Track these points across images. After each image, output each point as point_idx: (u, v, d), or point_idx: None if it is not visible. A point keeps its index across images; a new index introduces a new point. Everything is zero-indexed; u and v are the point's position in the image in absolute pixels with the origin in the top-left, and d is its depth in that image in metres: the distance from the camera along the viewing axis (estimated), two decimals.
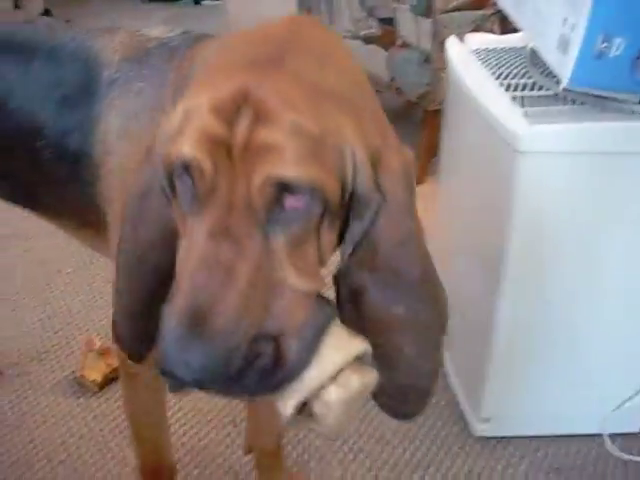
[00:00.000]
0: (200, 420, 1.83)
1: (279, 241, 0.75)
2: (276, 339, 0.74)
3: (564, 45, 1.33)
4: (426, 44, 2.71)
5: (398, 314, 0.85)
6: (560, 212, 1.48)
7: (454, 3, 2.67)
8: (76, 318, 2.18)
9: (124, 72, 1.15)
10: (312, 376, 0.76)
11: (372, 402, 0.89)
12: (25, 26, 1.29)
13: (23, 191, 1.37)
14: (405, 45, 2.81)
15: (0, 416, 1.82)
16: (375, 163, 0.80)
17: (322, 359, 0.77)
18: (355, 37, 2.99)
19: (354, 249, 0.82)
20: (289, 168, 0.72)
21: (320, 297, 0.80)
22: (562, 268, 1.55)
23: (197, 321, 0.70)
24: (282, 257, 0.75)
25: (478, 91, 1.58)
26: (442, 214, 2.01)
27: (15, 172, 1.33)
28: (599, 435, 1.77)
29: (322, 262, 0.81)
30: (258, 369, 0.73)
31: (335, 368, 0.77)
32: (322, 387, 0.77)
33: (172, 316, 0.72)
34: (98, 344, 1.89)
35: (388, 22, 2.85)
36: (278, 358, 0.74)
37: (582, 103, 1.43)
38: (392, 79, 2.91)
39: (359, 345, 0.80)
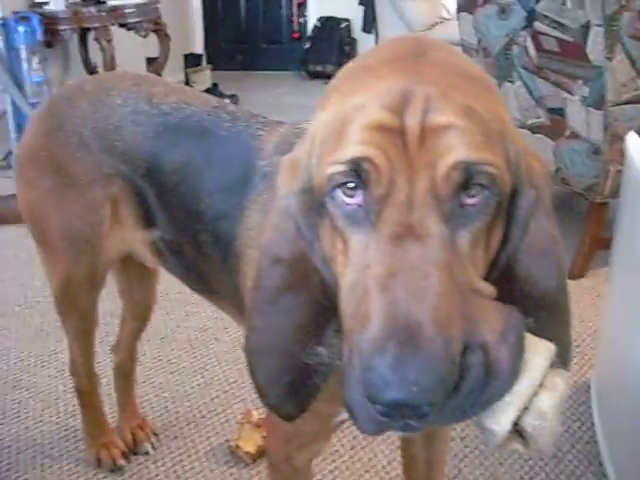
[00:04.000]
0: None
1: (463, 240, 0.71)
2: (484, 348, 0.67)
3: None
4: (596, 136, 2.66)
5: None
6: None
7: (626, 96, 2.62)
8: (233, 387, 2.23)
9: (273, 166, 1.16)
10: (523, 385, 0.70)
11: None
12: (212, 111, 1.34)
13: (192, 272, 1.43)
14: (574, 136, 2.77)
15: (153, 478, 1.87)
16: (526, 157, 0.78)
17: (527, 365, 0.71)
18: (522, 126, 2.97)
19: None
20: (473, 151, 0.69)
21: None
22: None
23: (410, 336, 0.63)
24: (466, 258, 0.71)
25: None
26: (614, 312, 1.94)
27: (185, 253, 1.39)
28: None
29: (487, 264, 0.76)
30: (472, 382, 0.66)
31: (541, 373, 0.72)
32: (534, 395, 0.71)
33: (375, 341, 0.64)
34: (255, 417, 1.92)
35: (557, 112, 2.83)
36: (490, 368, 0.67)
37: None
38: (558, 169, 2.87)
39: (550, 346, 0.75)
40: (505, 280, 0.79)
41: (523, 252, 0.79)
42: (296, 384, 0.86)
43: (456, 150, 0.68)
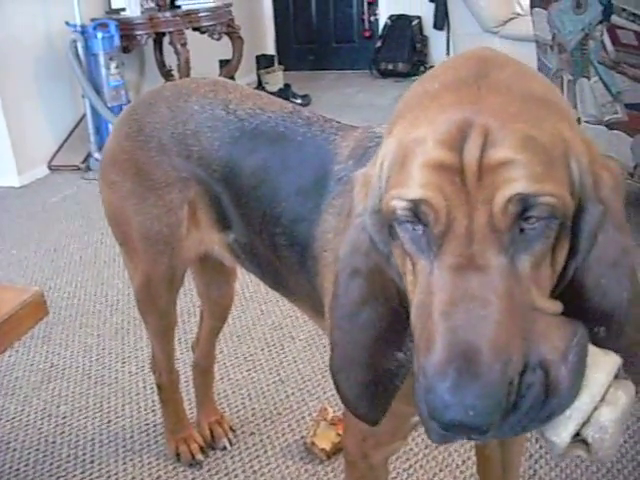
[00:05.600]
0: None
1: (524, 264, 0.73)
2: (544, 367, 0.70)
3: None
4: None
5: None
6: None
7: None
8: (308, 384, 2.25)
9: (348, 170, 1.18)
10: (584, 401, 0.72)
11: None
12: (287, 117, 1.36)
13: (268, 273, 1.46)
14: None
15: (230, 473, 1.91)
16: (593, 171, 0.77)
17: (588, 381, 0.73)
18: (598, 122, 2.92)
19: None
20: (531, 184, 0.70)
21: (568, 317, 0.76)
22: None
23: (468, 362, 0.67)
24: (528, 280, 0.72)
25: None
26: None
27: (261, 255, 1.41)
28: None
29: (555, 279, 0.77)
30: (531, 401, 0.69)
31: (603, 389, 0.73)
32: (595, 410, 0.73)
33: (437, 365, 0.69)
34: (331, 414, 1.94)
35: (635, 108, 2.76)
36: (549, 387, 0.70)
37: None
38: (636, 165, 2.81)
39: (615, 359, 0.76)
40: (575, 292, 0.79)
41: (591, 264, 0.78)
42: (379, 391, 0.88)
43: (513, 184, 0.70)
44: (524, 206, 0.70)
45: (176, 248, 1.52)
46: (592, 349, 0.76)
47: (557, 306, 0.76)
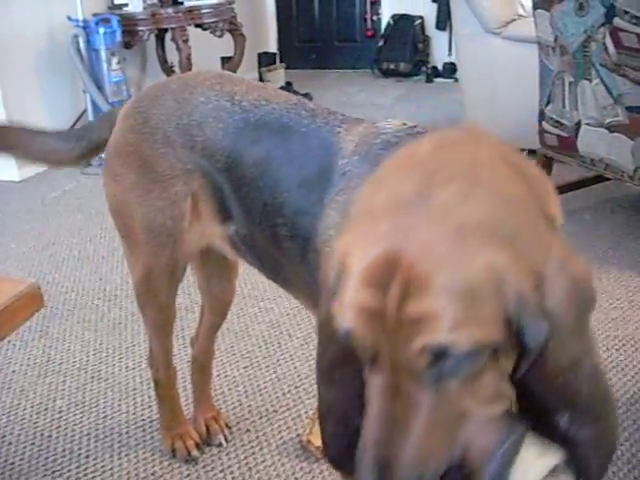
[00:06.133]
0: None
1: (451, 385, 0.76)
2: (468, 468, 0.76)
3: None
4: None
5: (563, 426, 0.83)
6: None
7: None
8: (304, 383, 2.25)
9: (352, 166, 1.18)
10: None
11: None
12: (291, 108, 1.37)
13: (267, 264, 1.46)
14: None
15: (226, 469, 1.91)
16: (539, 286, 0.76)
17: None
18: (599, 125, 2.92)
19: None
20: (445, 335, 0.72)
21: (510, 415, 0.80)
22: None
23: (382, 472, 0.76)
24: (459, 393, 0.76)
25: None
26: None
27: (260, 247, 1.42)
28: None
29: (504, 383, 0.80)
30: None
31: None
32: None
33: (361, 465, 0.77)
34: None
35: (636, 110, 2.76)
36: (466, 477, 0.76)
37: None
38: (637, 169, 2.81)
39: (551, 458, 0.79)
40: (536, 387, 0.82)
41: (547, 365, 0.79)
42: (352, 444, 0.90)
43: (430, 335, 0.73)
44: (441, 351, 0.73)
45: (178, 241, 1.53)
46: (531, 449, 0.79)
47: (499, 408, 0.79)
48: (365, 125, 1.24)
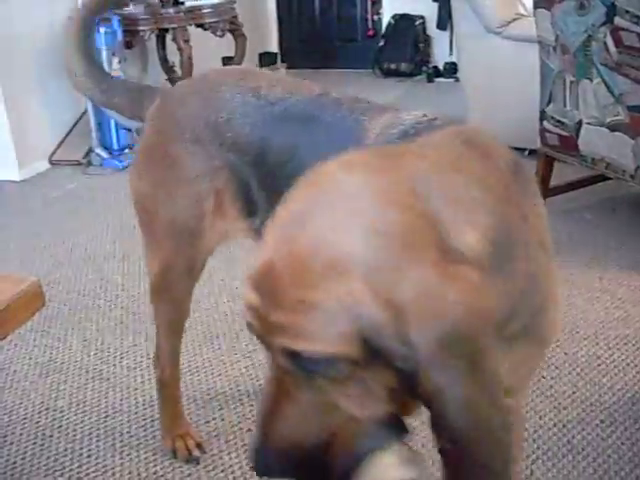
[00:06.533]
0: None
1: (320, 382, 0.84)
2: (324, 449, 0.86)
3: None
4: None
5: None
6: None
7: None
8: None
9: None
10: None
11: None
12: (316, 99, 1.40)
13: None
14: None
15: (227, 469, 1.91)
16: (399, 317, 0.76)
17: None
18: (600, 124, 2.92)
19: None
20: (298, 344, 0.80)
21: (387, 424, 0.86)
22: None
23: (261, 439, 0.89)
24: (328, 392, 0.84)
25: None
26: None
27: None
28: None
29: (379, 392, 0.84)
30: (307, 467, 0.87)
31: None
32: None
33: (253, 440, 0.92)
34: None
35: (637, 110, 2.76)
36: (324, 463, 0.86)
37: None
38: (638, 168, 2.81)
39: (411, 471, 0.86)
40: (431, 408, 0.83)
41: (424, 390, 0.80)
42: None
43: (284, 341, 0.81)
44: (295, 355, 0.81)
45: (199, 239, 1.57)
46: (394, 457, 0.86)
47: (370, 412, 0.85)
48: (388, 115, 1.25)
